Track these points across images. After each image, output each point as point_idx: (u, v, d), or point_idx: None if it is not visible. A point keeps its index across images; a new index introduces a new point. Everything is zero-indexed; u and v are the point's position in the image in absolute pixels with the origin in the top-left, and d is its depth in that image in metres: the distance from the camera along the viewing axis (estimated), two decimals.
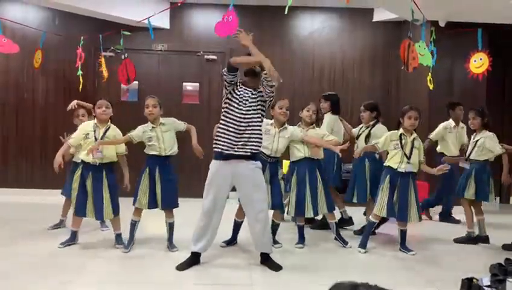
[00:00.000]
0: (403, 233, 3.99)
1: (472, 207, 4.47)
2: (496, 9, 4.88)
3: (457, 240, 4.41)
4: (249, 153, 3.31)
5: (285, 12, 3.56)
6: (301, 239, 4.14)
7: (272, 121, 4.03)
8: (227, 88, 3.38)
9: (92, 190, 3.77)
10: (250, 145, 3.30)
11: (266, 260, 3.49)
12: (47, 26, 6.20)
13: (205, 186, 3.41)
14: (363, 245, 3.98)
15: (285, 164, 6.37)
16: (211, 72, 6.58)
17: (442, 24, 5.52)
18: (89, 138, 3.80)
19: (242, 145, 3.29)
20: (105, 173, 3.80)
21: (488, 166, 4.42)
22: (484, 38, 4.26)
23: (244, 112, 3.31)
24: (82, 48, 5.29)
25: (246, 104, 3.32)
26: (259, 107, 3.37)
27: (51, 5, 6.04)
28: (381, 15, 6.60)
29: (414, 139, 3.96)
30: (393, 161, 3.94)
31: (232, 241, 4.13)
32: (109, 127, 3.86)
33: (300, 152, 4.05)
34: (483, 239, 4.37)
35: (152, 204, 3.81)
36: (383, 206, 3.92)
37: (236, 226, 4.14)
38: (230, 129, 3.30)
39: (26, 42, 6.03)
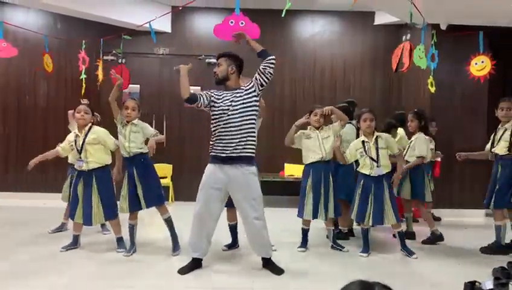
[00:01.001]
0: (400, 234, 3.99)
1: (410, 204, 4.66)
2: (497, 11, 4.88)
3: (425, 242, 4.44)
4: (244, 154, 3.25)
5: (283, 15, 3.56)
6: (304, 243, 4.13)
7: None
8: (205, 107, 3.35)
9: (82, 196, 3.79)
10: (244, 146, 3.24)
11: (267, 264, 3.47)
12: (49, 30, 6.23)
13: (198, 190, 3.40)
14: (364, 251, 3.97)
15: (287, 167, 6.40)
16: (212, 75, 6.59)
17: (443, 27, 5.54)
18: (73, 149, 3.84)
19: (235, 146, 3.23)
20: (95, 179, 3.79)
21: (421, 166, 4.50)
22: (485, 41, 4.27)
23: (230, 114, 3.24)
24: (84, 52, 5.31)
25: (232, 104, 3.26)
26: (253, 104, 3.29)
27: (52, 9, 6.07)
28: (382, 18, 6.62)
29: (377, 139, 3.93)
30: (365, 167, 3.94)
31: (233, 245, 4.12)
32: (88, 132, 3.83)
33: (317, 154, 4.00)
34: (409, 235, 4.51)
35: (134, 206, 3.79)
36: (355, 212, 3.96)
37: (232, 230, 4.13)
38: (222, 133, 3.26)
39: (28, 46, 6.06)
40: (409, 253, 3.94)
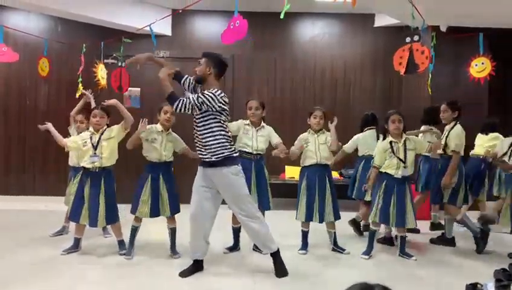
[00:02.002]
0: (402, 239, 3.98)
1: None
2: (498, 13, 4.89)
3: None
4: (217, 159, 3.26)
5: (281, 17, 3.54)
6: (304, 245, 4.13)
7: (248, 120, 4.07)
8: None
9: (88, 196, 3.78)
10: (213, 151, 3.26)
11: (274, 262, 3.46)
12: (49, 34, 6.25)
13: None
14: (366, 253, 3.97)
15: (288, 169, 6.39)
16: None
17: (443, 29, 5.54)
18: (87, 145, 3.83)
19: (204, 153, 3.29)
20: (104, 180, 3.80)
21: None
22: (485, 43, 4.27)
23: (195, 118, 3.32)
24: (84, 55, 5.32)
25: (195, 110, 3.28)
26: (206, 112, 3.26)
27: (53, 13, 6.09)
28: (382, 20, 6.63)
29: (405, 141, 3.94)
30: (390, 167, 3.92)
31: (234, 248, 4.12)
32: (104, 131, 3.87)
33: (312, 158, 4.03)
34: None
35: (155, 212, 3.81)
36: (377, 212, 3.93)
37: (236, 233, 4.13)
38: (195, 136, 3.36)
39: (28, 49, 6.07)
40: (408, 256, 3.93)
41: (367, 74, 6.84)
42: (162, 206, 3.83)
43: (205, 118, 3.26)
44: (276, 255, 3.46)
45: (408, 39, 4.07)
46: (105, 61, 5.36)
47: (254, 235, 3.42)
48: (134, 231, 3.88)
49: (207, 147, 3.27)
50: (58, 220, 4.62)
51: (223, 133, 3.29)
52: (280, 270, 3.42)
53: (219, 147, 3.27)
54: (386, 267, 3.75)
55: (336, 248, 4.13)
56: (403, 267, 3.74)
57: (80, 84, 5.26)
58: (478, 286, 2.99)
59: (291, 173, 6.35)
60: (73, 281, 3.24)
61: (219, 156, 3.26)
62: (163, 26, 6.38)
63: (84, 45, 5.30)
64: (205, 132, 3.26)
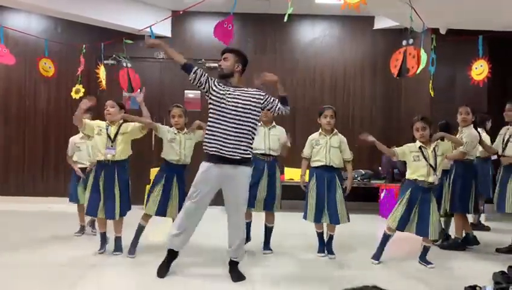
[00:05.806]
0: (425, 249, 3.83)
1: None
2: (497, 17, 4.90)
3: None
4: (238, 158, 3.15)
5: (285, 20, 3.55)
6: (322, 247, 4.04)
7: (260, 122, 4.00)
8: (200, 86, 3.29)
9: (103, 189, 3.74)
10: (238, 148, 3.14)
11: (235, 270, 3.36)
12: (49, 35, 6.25)
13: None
14: (376, 257, 3.85)
15: (287, 171, 6.40)
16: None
17: (443, 32, 5.55)
18: (101, 134, 3.81)
19: (230, 148, 3.13)
20: (118, 171, 3.78)
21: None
22: (484, 45, 4.28)
23: (237, 113, 3.17)
24: (84, 56, 5.31)
25: (232, 101, 3.20)
26: (254, 110, 3.23)
27: (53, 14, 6.09)
28: (381, 23, 6.65)
29: (435, 147, 3.80)
30: (419, 173, 3.75)
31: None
32: (121, 125, 3.87)
33: (321, 161, 3.93)
34: None
35: (162, 211, 3.79)
36: (395, 219, 3.76)
37: (247, 227, 4.04)
38: (217, 130, 3.18)
39: (28, 50, 6.08)
40: (427, 264, 3.79)
41: (366, 75, 6.86)
42: (170, 208, 3.80)
43: (250, 116, 3.20)
44: (237, 264, 3.40)
45: (404, 42, 4.07)
46: (105, 62, 5.35)
47: (240, 241, 3.33)
48: (141, 230, 3.85)
49: (238, 144, 3.13)
50: (57, 221, 4.61)
51: (253, 133, 3.27)
52: (240, 274, 3.35)
53: (249, 145, 3.21)
54: (386, 268, 3.75)
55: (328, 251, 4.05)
56: (403, 269, 3.73)
57: (80, 85, 5.26)
58: (477, 288, 2.99)
59: (291, 174, 6.36)
60: (71, 284, 3.21)
61: (248, 154, 3.20)
62: (163, 28, 6.39)
63: (84, 46, 5.30)
64: (243, 128, 3.16)
